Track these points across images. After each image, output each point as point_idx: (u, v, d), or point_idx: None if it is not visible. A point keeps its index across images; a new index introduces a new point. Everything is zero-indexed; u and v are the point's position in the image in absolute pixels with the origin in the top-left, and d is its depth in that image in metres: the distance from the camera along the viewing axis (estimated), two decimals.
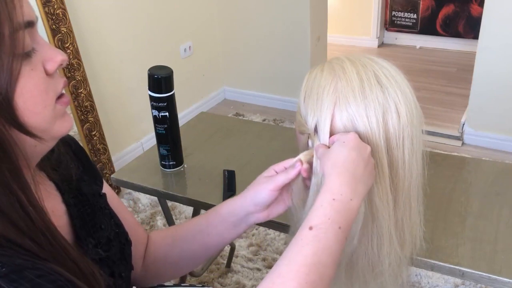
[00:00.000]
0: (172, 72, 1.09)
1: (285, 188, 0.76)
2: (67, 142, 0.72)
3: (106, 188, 0.78)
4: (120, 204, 0.82)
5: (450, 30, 3.86)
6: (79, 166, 0.72)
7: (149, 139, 2.52)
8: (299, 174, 0.72)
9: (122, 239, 0.72)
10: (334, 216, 0.59)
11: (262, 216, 0.78)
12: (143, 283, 0.86)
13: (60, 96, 0.57)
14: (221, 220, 0.79)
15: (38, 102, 0.52)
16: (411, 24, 4.02)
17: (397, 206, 0.73)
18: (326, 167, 0.65)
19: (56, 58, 0.55)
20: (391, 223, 0.73)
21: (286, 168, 0.76)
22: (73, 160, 0.71)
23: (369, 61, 0.72)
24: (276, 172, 0.77)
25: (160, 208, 2.02)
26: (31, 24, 0.52)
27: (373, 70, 0.70)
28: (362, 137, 0.69)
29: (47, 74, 0.54)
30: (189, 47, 2.80)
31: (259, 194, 0.75)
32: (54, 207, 0.64)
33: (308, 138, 0.74)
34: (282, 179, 0.73)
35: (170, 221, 1.37)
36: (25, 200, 0.51)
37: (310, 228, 0.58)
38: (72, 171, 0.69)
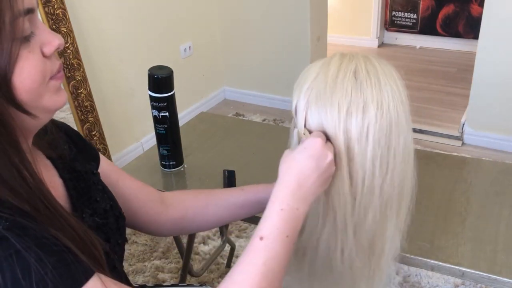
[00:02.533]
0: (172, 72, 1.09)
1: None
2: (58, 126, 0.75)
3: (105, 163, 0.83)
4: (123, 172, 0.87)
5: (450, 30, 3.86)
6: (72, 147, 0.75)
7: (149, 139, 2.52)
8: None
9: (116, 212, 0.76)
10: (282, 225, 0.64)
11: None
12: (168, 234, 0.95)
13: (56, 73, 0.61)
14: (256, 202, 0.88)
15: (35, 80, 0.56)
16: (411, 24, 4.02)
17: (354, 204, 0.72)
18: (281, 170, 0.69)
19: (54, 42, 0.58)
20: (347, 218, 0.72)
21: None
22: (66, 142, 0.75)
23: (360, 58, 0.72)
24: None
25: None
26: (31, 11, 0.55)
27: (356, 65, 0.70)
28: (325, 126, 0.69)
29: (44, 56, 0.57)
30: (189, 47, 2.80)
31: None
32: (51, 179, 0.67)
33: (293, 122, 0.75)
34: None
35: None
36: (24, 170, 0.55)
37: (261, 239, 0.62)
38: (65, 152, 0.72)
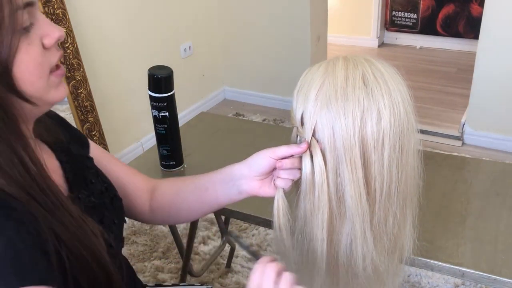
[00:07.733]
0: (172, 72, 1.09)
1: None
2: (46, 113, 0.76)
3: (96, 149, 0.84)
4: (113, 158, 0.88)
5: (450, 30, 3.86)
6: (65, 132, 0.77)
7: (149, 139, 2.52)
8: (300, 152, 0.72)
9: (111, 193, 0.78)
10: None
11: (253, 186, 0.78)
12: (152, 222, 0.94)
13: (56, 68, 0.62)
14: (219, 178, 0.83)
15: (33, 73, 0.58)
16: (411, 24, 4.02)
17: (374, 210, 0.72)
18: None
19: (54, 34, 0.60)
20: (365, 226, 0.72)
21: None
22: (59, 127, 0.77)
23: (364, 62, 0.71)
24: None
25: None
26: (30, 4, 0.57)
27: (363, 70, 0.69)
28: (337, 136, 0.68)
29: (44, 48, 0.59)
30: (189, 47, 2.80)
31: (257, 158, 0.77)
32: (49, 162, 0.68)
33: (297, 131, 0.74)
34: (283, 150, 0.74)
35: None
36: (27, 157, 0.56)
37: None
38: (61, 135, 0.74)
